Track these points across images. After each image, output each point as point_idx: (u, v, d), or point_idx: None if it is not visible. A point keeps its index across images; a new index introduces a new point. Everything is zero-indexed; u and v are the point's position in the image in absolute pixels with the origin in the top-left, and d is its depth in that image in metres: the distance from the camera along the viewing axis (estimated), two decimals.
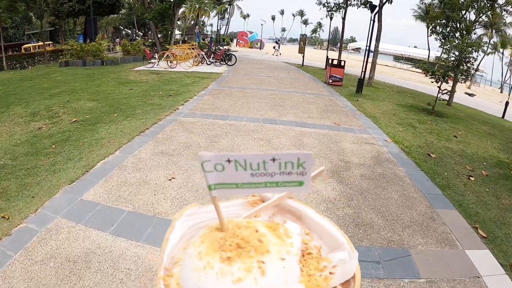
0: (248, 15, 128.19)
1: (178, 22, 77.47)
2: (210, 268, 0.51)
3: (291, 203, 0.73)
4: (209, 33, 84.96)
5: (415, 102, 15.31)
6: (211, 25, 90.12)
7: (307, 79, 18.66)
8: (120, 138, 7.23)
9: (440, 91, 12.39)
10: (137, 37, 63.50)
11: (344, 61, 17.34)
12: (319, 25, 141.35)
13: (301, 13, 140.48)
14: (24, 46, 35.36)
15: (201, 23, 48.33)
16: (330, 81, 17.02)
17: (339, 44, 30.72)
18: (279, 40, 57.30)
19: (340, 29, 29.66)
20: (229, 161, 0.54)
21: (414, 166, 6.95)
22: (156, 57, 20.59)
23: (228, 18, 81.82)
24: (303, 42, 28.22)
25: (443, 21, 16.21)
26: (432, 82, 13.29)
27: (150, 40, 37.81)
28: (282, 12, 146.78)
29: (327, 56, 26.93)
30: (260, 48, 55.79)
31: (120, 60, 23.22)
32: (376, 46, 18.60)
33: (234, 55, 23.75)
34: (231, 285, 0.49)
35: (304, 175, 0.57)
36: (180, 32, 69.97)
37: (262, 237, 0.56)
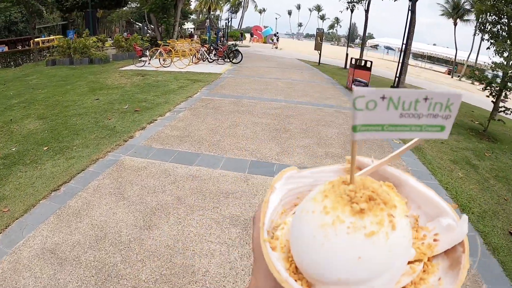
0: (264, 10, 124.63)
1: (192, 16, 74.65)
2: (341, 222, 0.45)
3: (390, 170, 0.63)
4: (223, 27, 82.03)
5: (458, 117, 11.50)
6: (227, 19, 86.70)
7: (324, 83, 15.01)
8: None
9: (498, 108, 9.41)
10: (149, 31, 60.99)
11: (371, 62, 13.62)
12: (336, 20, 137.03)
13: (318, 8, 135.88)
14: (35, 40, 32.23)
15: (213, 16, 44.69)
16: (353, 86, 13.37)
17: (356, 40, 27.03)
18: (277, 33, 53.67)
19: (357, 25, 25.80)
20: (383, 97, 0.44)
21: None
22: (148, 54, 17.17)
23: (242, 11, 78.69)
24: (319, 37, 24.24)
25: (493, 17, 12.03)
26: (488, 96, 9.86)
27: (148, 35, 34.61)
28: (298, 7, 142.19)
29: (347, 54, 23.25)
30: (274, 43, 51.71)
31: (113, 57, 20.25)
32: (409, 44, 14.84)
33: (240, 52, 20.19)
34: (363, 239, 0.43)
35: (448, 118, 0.49)
36: (193, 26, 66.96)
37: (389, 192, 0.50)
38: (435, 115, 0.49)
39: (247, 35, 52.76)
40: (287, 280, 0.48)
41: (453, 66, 41.92)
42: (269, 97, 10.63)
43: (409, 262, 0.51)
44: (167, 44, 18.99)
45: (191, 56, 18.73)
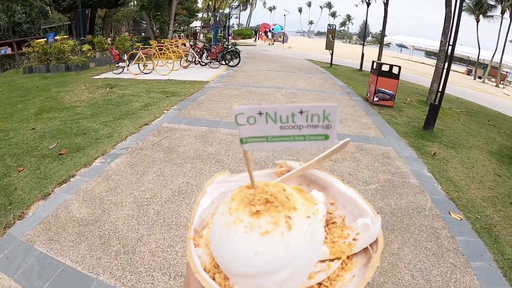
0: (274, 7, 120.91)
1: (199, 14, 71.55)
2: (240, 222, 0.50)
3: (317, 173, 0.69)
4: (232, 24, 78.72)
5: (509, 143, 8.43)
6: (237, 17, 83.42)
7: (338, 92, 11.60)
8: None
9: None
10: (157, 30, 58.04)
11: (399, 67, 10.15)
12: (348, 17, 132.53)
13: (329, 5, 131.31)
14: (38, 41, 30.00)
15: (218, 13, 41.37)
16: (376, 99, 9.98)
17: (368, 38, 23.49)
18: (273, 29, 50.49)
19: (368, 22, 22.15)
20: (260, 113, 0.52)
21: None
22: (125, 59, 13.98)
23: (250, 9, 75.15)
24: (331, 35, 20.62)
25: None
26: None
27: (137, 35, 31.76)
28: (309, 4, 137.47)
29: (362, 54, 19.68)
30: (283, 41, 47.97)
31: (96, 62, 17.36)
32: (445, 45, 11.40)
33: (238, 53, 16.85)
34: (259, 238, 0.48)
35: (329, 128, 0.54)
36: (200, 25, 63.86)
37: (290, 195, 0.54)
38: (315, 126, 0.54)
39: (268, 34, 49.17)
40: (199, 271, 0.53)
41: (475, 67, 38.05)
42: None
43: (330, 260, 0.55)
44: (149, 45, 15.86)
45: (180, 59, 15.51)
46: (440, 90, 7.97)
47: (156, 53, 14.39)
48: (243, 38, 53.50)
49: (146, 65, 13.86)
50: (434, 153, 6.55)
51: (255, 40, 45.39)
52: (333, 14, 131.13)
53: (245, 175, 0.61)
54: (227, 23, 25.80)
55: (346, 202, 0.64)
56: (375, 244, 0.56)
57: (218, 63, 15.93)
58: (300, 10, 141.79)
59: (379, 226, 0.56)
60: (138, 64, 14.01)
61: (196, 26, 61.95)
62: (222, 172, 0.68)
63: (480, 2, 36.34)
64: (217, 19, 26.07)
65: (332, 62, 20.15)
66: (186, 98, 9.43)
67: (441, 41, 11.32)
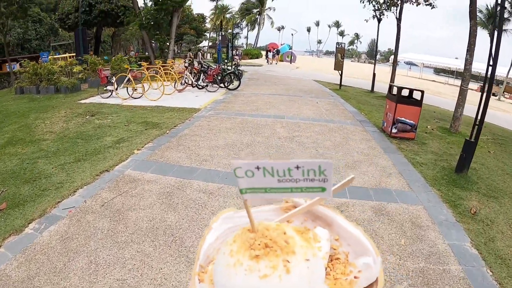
0: (282, 27, 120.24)
1: (211, 34, 70.84)
2: (240, 265, 0.52)
3: (322, 210, 0.71)
4: (242, 44, 77.88)
5: None
6: (246, 37, 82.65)
7: (349, 121, 9.82)
8: None
9: None
10: (166, 50, 57.19)
11: (422, 92, 8.45)
12: (356, 36, 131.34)
13: (337, 24, 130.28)
14: (52, 57, 29.84)
15: (225, 32, 40.15)
16: (394, 130, 8.26)
17: (376, 56, 22.00)
18: (275, 49, 49.11)
19: (378, 41, 20.35)
20: (258, 168, 0.57)
21: None
22: (114, 82, 12.51)
23: (258, 29, 74.14)
24: (340, 55, 18.90)
25: None
26: None
27: (131, 54, 30.58)
28: (317, 23, 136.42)
29: (374, 74, 18.01)
30: (291, 61, 46.40)
31: (89, 83, 15.92)
32: (471, 63, 9.72)
33: (238, 75, 15.32)
34: (257, 281, 0.50)
35: (325, 181, 0.58)
36: (208, 44, 62.96)
37: (289, 239, 0.57)
38: (311, 179, 0.57)
39: (269, 54, 47.51)
40: None
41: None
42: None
43: None
44: (138, 66, 14.46)
45: (173, 82, 14.03)
46: (477, 122, 6.23)
47: (147, 75, 12.90)
48: (251, 58, 52.29)
49: (136, 89, 12.37)
50: (475, 212, 4.83)
51: (268, 61, 43.85)
52: (342, 33, 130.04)
53: (252, 210, 0.61)
54: (232, 43, 24.23)
55: (350, 239, 0.65)
56: (375, 284, 0.57)
57: (216, 86, 14.35)
58: (308, 30, 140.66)
59: (380, 266, 0.58)
60: (127, 88, 12.54)
61: (204, 46, 61.13)
62: (227, 209, 0.70)
63: (493, 15, 34.70)
64: (224, 39, 24.69)
65: (342, 84, 18.46)
66: (167, 132, 7.81)
67: (466, 59, 9.63)
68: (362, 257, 0.60)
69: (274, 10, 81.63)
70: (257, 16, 73.21)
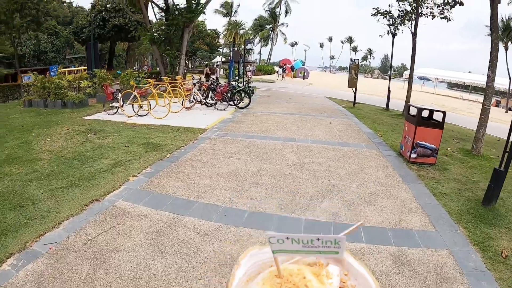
0: (295, 43, 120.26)
1: (224, 49, 71.01)
2: None
3: None
4: (255, 60, 77.84)
5: None
6: (260, 53, 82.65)
7: (364, 144, 9.13)
8: None
9: None
10: (177, 65, 57.27)
11: (444, 113, 7.84)
12: (369, 51, 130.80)
13: (350, 40, 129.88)
14: (60, 70, 29.99)
15: (238, 48, 39.89)
16: (413, 155, 7.64)
17: (389, 71, 21.38)
18: (284, 65, 48.78)
19: (390, 55, 19.70)
20: (287, 238, 0.72)
21: None
22: (119, 98, 12.14)
23: (271, 45, 74.02)
24: (354, 71, 18.33)
25: None
26: None
27: (144, 69, 30.49)
28: (330, 39, 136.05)
29: (389, 91, 17.40)
30: (304, 77, 45.86)
31: (97, 98, 15.71)
32: (493, 79, 9.12)
33: (248, 93, 14.87)
34: None
35: (339, 248, 0.73)
36: (221, 60, 62.97)
37: (308, 282, 0.72)
38: (328, 246, 0.72)
39: (279, 70, 47.09)
40: None
41: (507, 98, 35.01)
42: (250, 209, 5.01)
43: None
44: (143, 81, 14.10)
45: (181, 99, 13.62)
46: (508, 149, 5.59)
47: (153, 92, 12.50)
48: (264, 74, 52.03)
49: (142, 106, 11.96)
50: (506, 255, 4.20)
51: (282, 78, 43.45)
52: (355, 49, 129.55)
53: None
54: (244, 59, 23.83)
55: (357, 275, 0.78)
56: None
57: (226, 103, 13.87)
58: (321, 46, 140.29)
59: None
60: (133, 105, 12.15)
61: (217, 62, 61.18)
62: (254, 247, 0.84)
63: (509, 28, 34.05)
64: (236, 54, 24.29)
65: (356, 101, 17.87)
66: (168, 155, 7.30)
67: (488, 75, 9.03)
68: None
69: (287, 26, 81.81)
70: (270, 32, 73.14)
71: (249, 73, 45.43)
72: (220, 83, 14.78)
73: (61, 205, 4.98)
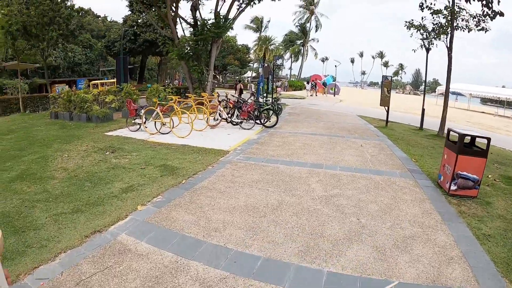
0: (326, 58, 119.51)
1: (254, 65, 70.99)
2: None
3: None
4: (286, 75, 77.48)
5: None
6: (290, 68, 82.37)
7: (397, 172, 8.24)
8: None
9: None
10: (205, 81, 57.61)
11: (488, 139, 7.03)
12: (401, 66, 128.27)
13: (381, 55, 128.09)
14: (92, 82, 32.04)
15: (267, 63, 39.64)
16: (453, 187, 6.85)
17: (420, 87, 20.30)
18: (313, 81, 48.15)
19: (421, 70, 18.75)
20: None
21: None
22: (142, 115, 11.85)
23: (301, 60, 73.63)
24: (387, 89, 17.43)
25: None
26: None
27: (167, 83, 30.49)
28: (361, 54, 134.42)
29: (423, 110, 16.51)
30: (334, 94, 44.88)
31: (123, 112, 15.80)
32: None
33: (275, 111, 14.36)
34: None
35: None
36: (252, 75, 62.97)
37: None
38: None
39: (307, 86, 46.37)
40: None
41: None
42: (265, 254, 4.35)
43: None
44: (164, 97, 13.80)
45: (206, 117, 13.21)
46: None
47: (176, 110, 12.15)
48: (294, 90, 51.53)
49: (164, 124, 11.61)
50: None
51: (312, 94, 42.94)
52: (386, 64, 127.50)
53: None
54: (273, 74, 23.37)
55: None
56: None
57: (252, 122, 13.35)
58: (352, 61, 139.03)
59: None
60: (155, 122, 11.84)
61: (248, 77, 61.26)
62: None
63: None
64: (266, 70, 23.85)
65: (388, 120, 17.00)
66: (183, 181, 6.78)
67: None
68: None
69: (318, 41, 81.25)
70: (301, 47, 72.79)
71: (279, 89, 45.04)
72: (246, 101, 14.29)
73: (62, 233, 4.60)
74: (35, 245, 4.29)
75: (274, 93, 22.38)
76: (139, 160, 8.31)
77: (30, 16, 20.59)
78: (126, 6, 36.82)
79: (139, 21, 38.15)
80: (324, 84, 46.97)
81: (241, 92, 26.27)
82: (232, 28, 22.05)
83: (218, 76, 60.35)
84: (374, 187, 6.88)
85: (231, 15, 21.46)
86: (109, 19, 63.11)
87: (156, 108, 11.58)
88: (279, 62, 25.02)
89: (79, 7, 57.55)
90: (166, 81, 52.11)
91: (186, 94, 17.61)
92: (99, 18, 62.64)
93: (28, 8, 20.83)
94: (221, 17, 20.71)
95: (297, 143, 10.83)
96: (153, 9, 24.43)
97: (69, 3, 23.31)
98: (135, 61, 51.09)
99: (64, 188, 6.42)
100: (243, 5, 21.68)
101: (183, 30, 23.83)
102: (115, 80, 28.42)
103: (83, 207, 5.51)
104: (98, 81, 32.85)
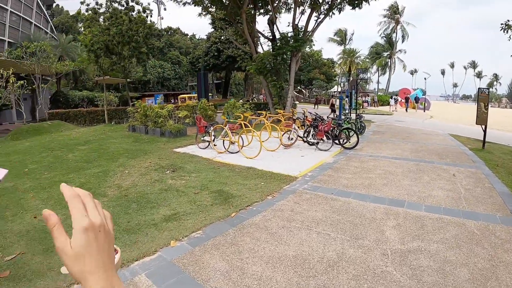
0: (415, 70, 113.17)
1: (342, 79, 69.02)
2: None
3: None
4: (374, 89, 74.53)
5: None
6: (378, 82, 79.08)
7: (500, 220, 6.02)
8: None
9: None
10: (302, 94, 57.63)
11: None
12: (496, 77, 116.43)
13: (473, 65, 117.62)
14: (180, 96, 35.55)
15: (352, 77, 38.00)
16: None
17: None
18: (397, 95, 45.20)
19: None
20: None
21: None
22: (211, 132, 11.34)
23: (389, 73, 70.14)
24: (484, 104, 14.67)
25: None
26: None
27: (252, 98, 30.06)
28: (452, 65, 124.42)
29: None
30: (424, 109, 40.90)
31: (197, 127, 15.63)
32: None
33: (356, 131, 13.03)
34: None
35: None
36: (338, 90, 61.25)
37: None
38: None
39: (391, 101, 43.66)
40: None
41: None
42: None
43: None
44: (234, 116, 13.12)
45: (281, 135, 12.33)
46: None
47: (243, 130, 11.42)
48: (382, 105, 49.02)
49: (233, 143, 10.94)
50: None
51: (391, 108, 40.60)
52: (479, 75, 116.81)
53: None
54: (356, 89, 21.91)
55: None
56: None
57: (330, 142, 12.10)
58: (442, 73, 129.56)
59: None
60: (223, 140, 11.25)
61: (334, 91, 59.84)
62: None
63: None
64: (352, 84, 22.55)
65: (485, 140, 14.53)
66: (233, 214, 5.86)
67: None
68: None
69: (405, 52, 77.13)
70: (388, 59, 69.53)
71: (365, 104, 42.93)
72: (324, 119, 13.12)
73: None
74: (54, 269, 4.08)
75: (358, 109, 20.88)
76: (196, 183, 7.64)
77: (111, 36, 22.08)
78: (209, 23, 38.27)
79: (221, 37, 39.27)
80: (417, 99, 43.86)
81: (333, 107, 25.15)
82: (311, 41, 21.25)
83: (304, 91, 59.62)
84: (467, 240, 5.18)
85: (309, 27, 20.62)
86: (197, 37, 65.96)
87: (225, 126, 10.97)
88: (362, 75, 23.31)
89: (167, 26, 61.52)
90: (252, 96, 52.74)
91: (258, 112, 16.98)
92: (187, 36, 65.75)
93: (109, 28, 22.44)
94: (299, 29, 19.93)
95: (377, 170, 9.40)
96: (233, 26, 24.52)
97: (149, 22, 24.64)
98: (221, 76, 52.86)
99: (109, 208, 6.05)
100: (322, 16, 20.74)
101: (261, 45, 23.30)
102: (196, 95, 29.27)
103: (117, 233, 4.99)
104: (186, 95, 34.59)
